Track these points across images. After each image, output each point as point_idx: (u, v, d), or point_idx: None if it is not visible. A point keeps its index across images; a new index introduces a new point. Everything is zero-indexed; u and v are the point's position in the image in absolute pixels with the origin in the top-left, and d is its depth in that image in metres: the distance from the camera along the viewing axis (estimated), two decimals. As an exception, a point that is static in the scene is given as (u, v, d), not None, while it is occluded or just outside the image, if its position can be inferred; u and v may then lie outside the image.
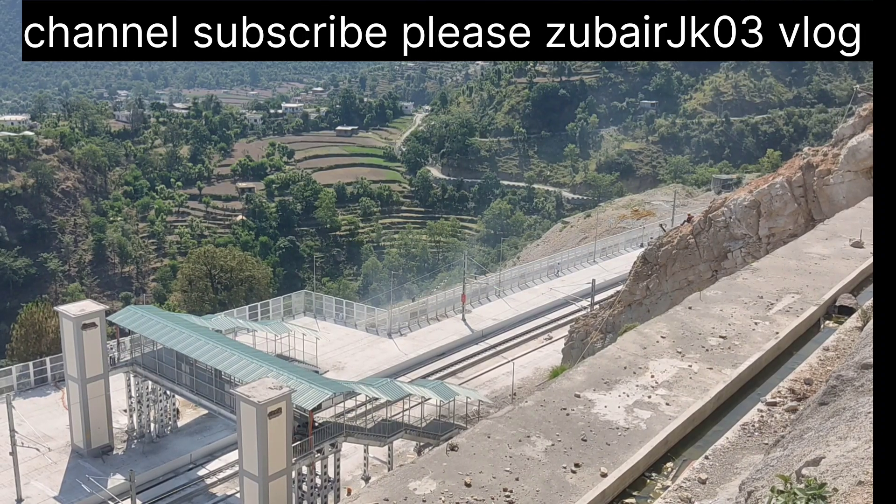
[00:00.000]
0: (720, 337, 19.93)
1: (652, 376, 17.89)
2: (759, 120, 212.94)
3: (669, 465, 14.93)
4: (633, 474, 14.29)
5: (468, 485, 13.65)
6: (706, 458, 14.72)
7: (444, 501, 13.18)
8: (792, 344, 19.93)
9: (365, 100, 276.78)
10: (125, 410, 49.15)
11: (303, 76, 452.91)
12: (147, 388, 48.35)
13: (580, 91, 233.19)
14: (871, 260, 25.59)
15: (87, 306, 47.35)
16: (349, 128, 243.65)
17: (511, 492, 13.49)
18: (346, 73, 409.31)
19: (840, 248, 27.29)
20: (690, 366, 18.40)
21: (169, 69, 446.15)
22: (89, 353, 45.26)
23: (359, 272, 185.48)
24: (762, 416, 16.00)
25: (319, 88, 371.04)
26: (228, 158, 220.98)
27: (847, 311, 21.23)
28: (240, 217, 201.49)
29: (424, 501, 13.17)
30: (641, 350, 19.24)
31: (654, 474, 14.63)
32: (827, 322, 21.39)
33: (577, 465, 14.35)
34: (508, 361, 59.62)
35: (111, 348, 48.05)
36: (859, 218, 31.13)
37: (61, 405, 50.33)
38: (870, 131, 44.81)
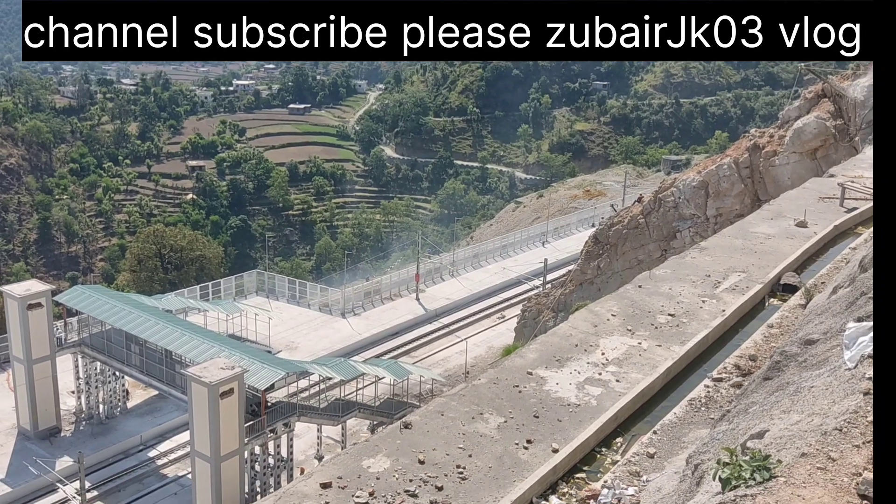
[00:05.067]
0: (669, 315, 20.31)
1: (602, 354, 18.18)
2: (708, 102, 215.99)
3: (619, 440, 15.23)
4: (583, 450, 14.56)
5: (422, 462, 13.77)
6: (654, 432, 15.04)
7: (397, 479, 13.28)
8: (738, 321, 20.41)
9: (318, 77, 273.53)
10: (73, 392, 48.34)
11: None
12: (96, 368, 47.59)
13: (533, 71, 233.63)
14: (814, 239, 26.26)
15: (33, 286, 46.35)
16: (302, 106, 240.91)
17: (464, 468, 13.65)
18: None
19: (784, 227, 27.93)
20: (640, 343, 18.74)
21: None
22: (35, 333, 44.36)
23: (312, 252, 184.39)
24: (709, 392, 16.39)
25: (271, 66, 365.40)
26: (178, 136, 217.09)
27: (791, 289, 21.79)
28: (190, 196, 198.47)
29: (378, 479, 13.26)
30: (592, 328, 19.52)
31: (604, 449, 14.92)
32: (771, 300, 21.93)
33: (529, 442, 14.56)
34: (462, 340, 59.91)
35: (58, 329, 47.16)
36: (803, 198, 31.88)
37: (6, 387, 49.31)
38: (815, 113, 45.81)
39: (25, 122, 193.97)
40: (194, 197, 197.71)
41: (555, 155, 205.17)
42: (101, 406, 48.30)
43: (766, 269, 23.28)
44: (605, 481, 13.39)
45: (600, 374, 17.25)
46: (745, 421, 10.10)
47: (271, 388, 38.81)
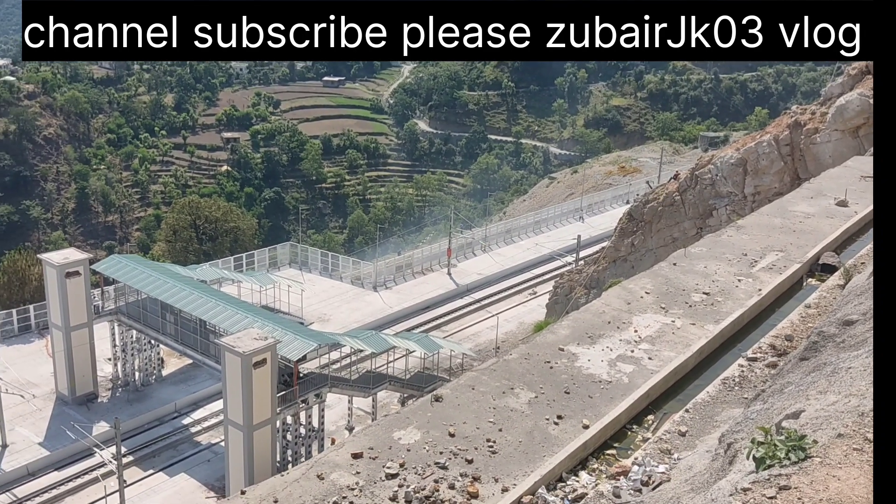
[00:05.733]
0: (703, 293, 20.09)
1: (635, 331, 18.05)
2: (748, 77, 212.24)
3: (650, 417, 15.14)
4: (614, 426, 14.49)
5: (452, 435, 13.80)
6: (686, 411, 14.93)
7: (428, 451, 13.33)
8: (774, 301, 20.13)
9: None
10: (110, 359, 49.22)
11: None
12: (132, 336, 48.39)
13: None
14: (855, 219, 25.77)
15: (71, 255, 47.12)
16: (336, 78, 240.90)
17: (494, 442, 13.66)
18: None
19: (825, 206, 27.43)
20: (674, 321, 18.57)
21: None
22: (73, 301, 45.15)
23: (344, 225, 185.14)
24: (743, 371, 16.22)
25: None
26: (213, 108, 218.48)
27: (830, 269, 21.43)
28: (225, 167, 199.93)
29: (409, 451, 13.31)
30: (625, 305, 19.38)
31: (635, 426, 14.84)
32: (809, 279, 21.60)
33: (559, 417, 14.53)
34: (493, 315, 59.95)
35: (95, 297, 47.94)
36: (845, 177, 31.26)
37: (45, 353, 50.34)
38: (858, 90, 44.80)
39: (64, 92, 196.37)
40: (229, 168, 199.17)
41: (590, 130, 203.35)
42: (136, 373, 49.15)
43: (805, 249, 22.92)
44: (636, 458, 13.33)
45: (633, 351, 17.14)
46: (781, 401, 9.96)
47: (303, 359, 39.18)
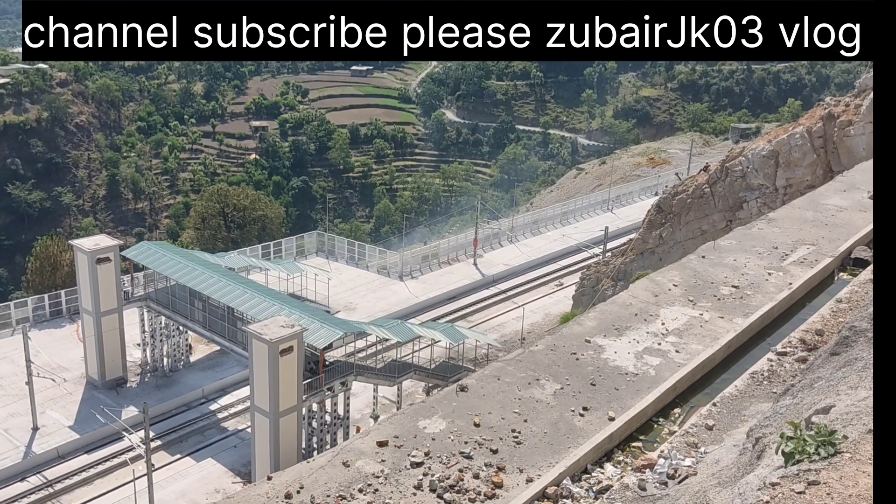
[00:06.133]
0: (733, 286, 19.91)
1: (663, 323, 17.93)
2: (782, 68, 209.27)
3: (677, 410, 15.06)
4: (640, 419, 14.43)
5: (477, 425, 13.81)
6: (714, 404, 14.82)
7: (453, 440, 13.35)
8: (805, 295, 19.91)
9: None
10: (139, 344, 49.80)
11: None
12: (160, 323, 48.90)
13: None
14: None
15: (102, 241, 47.69)
16: (364, 67, 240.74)
17: (519, 433, 13.65)
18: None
19: (858, 200, 27.05)
20: (702, 314, 18.42)
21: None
22: (104, 287, 45.72)
23: (371, 214, 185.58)
24: (772, 366, 16.06)
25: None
26: (242, 96, 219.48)
27: (862, 264, 21.14)
28: (253, 156, 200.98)
29: (434, 440, 13.34)
30: (653, 297, 19.26)
31: (661, 419, 14.76)
32: (841, 274, 21.32)
33: (585, 409, 14.49)
34: (519, 306, 59.85)
35: (125, 283, 48.51)
36: (879, 170, 30.74)
37: (76, 337, 51.03)
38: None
39: (96, 80, 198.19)
40: (257, 157, 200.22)
41: (619, 121, 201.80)
42: (165, 359, 49.69)
43: (837, 243, 22.63)
44: (662, 451, 13.25)
45: (660, 343, 17.04)
46: (811, 396, 9.84)
47: (329, 347, 39.38)
